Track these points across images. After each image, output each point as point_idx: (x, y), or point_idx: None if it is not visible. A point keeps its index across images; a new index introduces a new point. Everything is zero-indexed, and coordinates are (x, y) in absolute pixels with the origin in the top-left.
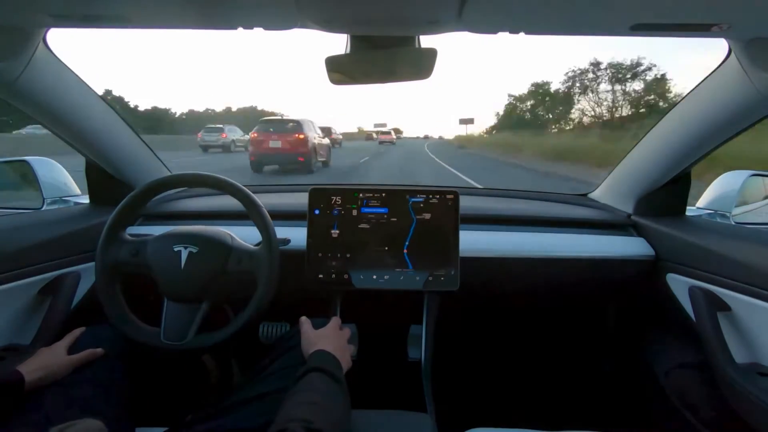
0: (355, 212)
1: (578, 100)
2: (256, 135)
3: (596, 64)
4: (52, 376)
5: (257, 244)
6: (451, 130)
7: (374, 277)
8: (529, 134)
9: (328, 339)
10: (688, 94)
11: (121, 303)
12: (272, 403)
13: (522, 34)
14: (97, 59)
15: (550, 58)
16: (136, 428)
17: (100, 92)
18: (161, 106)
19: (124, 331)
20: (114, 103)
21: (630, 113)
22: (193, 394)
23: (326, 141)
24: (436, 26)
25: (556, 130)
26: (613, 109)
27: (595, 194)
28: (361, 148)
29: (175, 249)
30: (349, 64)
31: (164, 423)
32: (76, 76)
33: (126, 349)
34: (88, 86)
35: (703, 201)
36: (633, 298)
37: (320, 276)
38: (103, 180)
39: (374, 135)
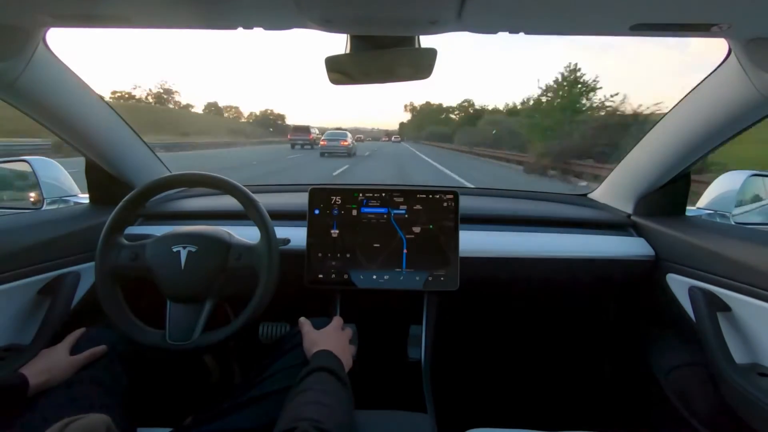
0: (354, 212)
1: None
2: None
3: None
4: (56, 379)
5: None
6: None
7: (374, 277)
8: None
9: (331, 339)
10: (688, 94)
11: (124, 307)
12: (273, 404)
13: (522, 34)
14: (94, 60)
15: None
16: (138, 429)
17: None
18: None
19: (129, 335)
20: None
21: None
22: (194, 395)
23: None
24: (436, 26)
25: None
26: None
27: (595, 194)
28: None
29: (174, 249)
30: (349, 64)
31: (166, 423)
32: (76, 76)
33: (127, 350)
34: (88, 86)
35: (703, 201)
36: (633, 298)
37: (320, 276)
38: (103, 180)
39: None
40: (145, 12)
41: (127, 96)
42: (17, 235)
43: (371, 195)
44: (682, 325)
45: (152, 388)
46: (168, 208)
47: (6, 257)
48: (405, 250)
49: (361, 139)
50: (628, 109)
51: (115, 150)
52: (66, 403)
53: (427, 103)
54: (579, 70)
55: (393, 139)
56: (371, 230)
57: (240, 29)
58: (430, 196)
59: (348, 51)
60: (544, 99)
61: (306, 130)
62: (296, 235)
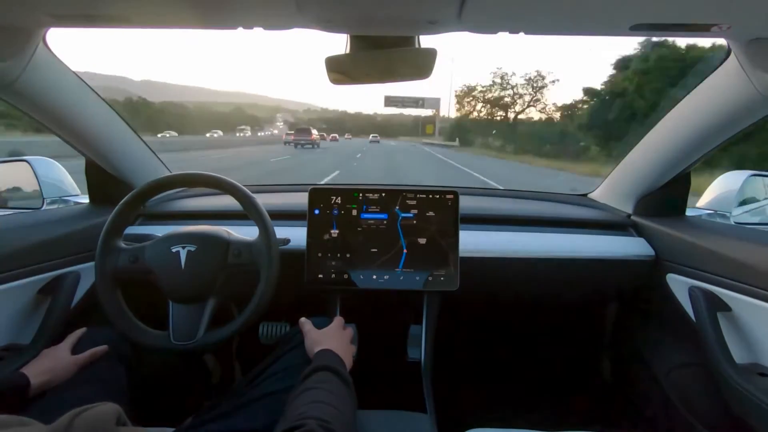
0: (354, 212)
1: None
2: None
3: None
4: (57, 379)
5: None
6: None
7: (374, 277)
8: None
9: (332, 338)
10: (688, 94)
11: (126, 310)
12: (274, 404)
13: (522, 34)
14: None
15: None
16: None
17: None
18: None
19: (133, 338)
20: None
21: None
22: (194, 395)
23: None
24: (436, 26)
25: None
26: None
27: (595, 194)
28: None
29: (174, 250)
30: (349, 63)
31: (166, 423)
32: (76, 76)
33: (127, 349)
34: (88, 86)
35: (703, 201)
36: (633, 298)
37: (320, 276)
38: (103, 180)
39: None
40: (145, 12)
41: None
42: (17, 235)
43: (371, 195)
44: (682, 325)
45: (153, 388)
46: (168, 208)
47: (6, 257)
48: (405, 251)
49: (336, 138)
50: None
51: (115, 150)
52: (67, 402)
53: None
54: None
55: (371, 138)
56: (371, 230)
57: (240, 29)
58: (430, 196)
59: (348, 51)
60: None
61: (308, 131)
62: (296, 235)
